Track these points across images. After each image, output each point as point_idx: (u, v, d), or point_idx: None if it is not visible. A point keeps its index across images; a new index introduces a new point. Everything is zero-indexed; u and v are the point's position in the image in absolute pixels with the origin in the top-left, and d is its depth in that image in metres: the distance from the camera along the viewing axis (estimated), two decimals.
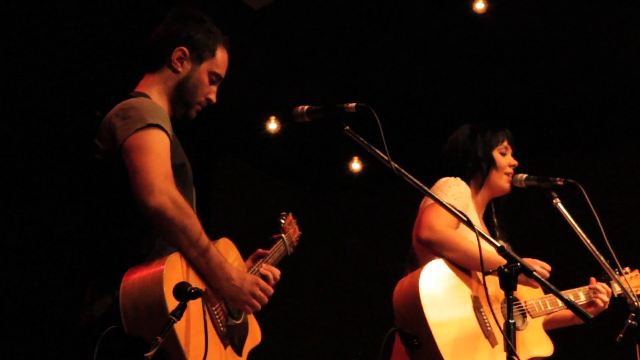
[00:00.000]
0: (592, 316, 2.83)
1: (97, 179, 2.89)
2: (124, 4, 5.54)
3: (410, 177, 2.82)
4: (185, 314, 2.61)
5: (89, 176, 2.93)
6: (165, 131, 2.83)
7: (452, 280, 3.58)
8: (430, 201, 3.69)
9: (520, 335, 3.69)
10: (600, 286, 3.96)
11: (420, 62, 6.54)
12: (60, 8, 5.39)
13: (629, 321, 3.54)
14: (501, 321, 3.56)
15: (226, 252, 3.01)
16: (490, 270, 2.76)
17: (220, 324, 2.86)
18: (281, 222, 3.48)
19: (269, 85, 6.80)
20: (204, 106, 3.13)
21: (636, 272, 4.18)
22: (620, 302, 3.73)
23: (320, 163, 8.19)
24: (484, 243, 2.80)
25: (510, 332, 2.68)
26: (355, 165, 8.06)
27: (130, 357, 2.62)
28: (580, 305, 3.84)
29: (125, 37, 5.67)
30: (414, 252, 3.77)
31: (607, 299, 3.95)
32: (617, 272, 3.81)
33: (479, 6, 5.81)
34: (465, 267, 3.62)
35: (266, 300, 2.90)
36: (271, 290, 2.97)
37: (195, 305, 2.71)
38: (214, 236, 2.95)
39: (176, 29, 3.07)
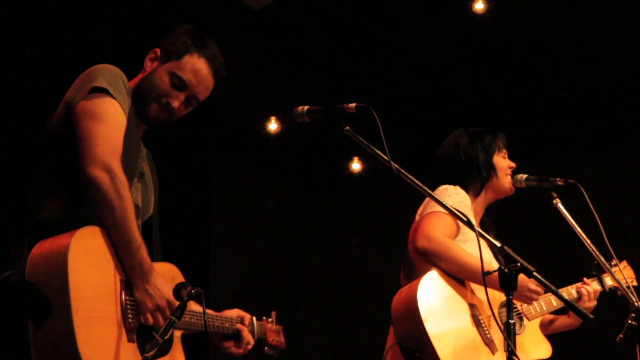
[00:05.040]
0: (591, 316, 2.83)
1: (46, 149, 2.91)
2: (124, 5, 5.54)
3: (411, 177, 2.81)
4: (93, 285, 2.61)
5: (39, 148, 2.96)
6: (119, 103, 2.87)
7: (449, 291, 3.58)
8: (429, 209, 3.69)
9: (518, 340, 3.69)
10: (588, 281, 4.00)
11: (420, 62, 6.54)
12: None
13: (629, 321, 3.54)
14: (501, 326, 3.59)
15: (170, 275, 2.95)
16: (491, 271, 2.76)
17: (130, 317, 2.75)
18: (263, 317, 3.40)
19: (269, 85, 6.79)
20: (165, 112, 3.07)
21: (624, 263, 4.20)
22: (620, 303, 3.73)
23: (320, 163, 8.18)
24: (485, 250, 2.80)
25: (510, 332, 2.68)
26: (355, 165, 8.06)
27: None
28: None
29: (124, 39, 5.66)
30: (409, 256, 3.76)
31: (590, 289, 3.96)
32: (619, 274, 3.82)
33: (479, 6, 5.80)
34: (461, 277, 3.61)
35: (162, 323, 2.77)
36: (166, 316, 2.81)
37: (109, 281, 2.70)
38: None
39: (166, 38, 3.16)
